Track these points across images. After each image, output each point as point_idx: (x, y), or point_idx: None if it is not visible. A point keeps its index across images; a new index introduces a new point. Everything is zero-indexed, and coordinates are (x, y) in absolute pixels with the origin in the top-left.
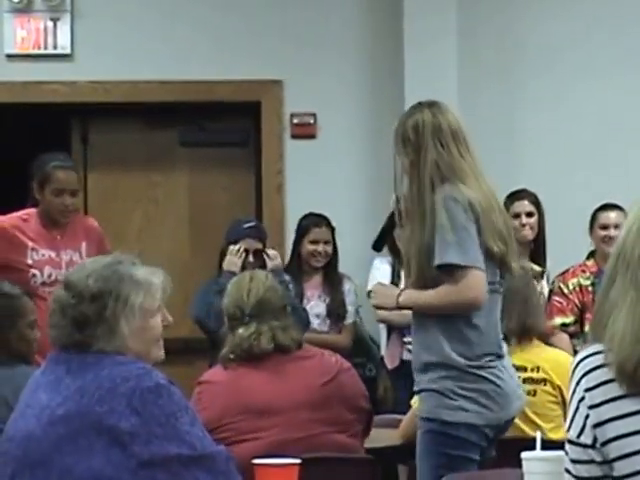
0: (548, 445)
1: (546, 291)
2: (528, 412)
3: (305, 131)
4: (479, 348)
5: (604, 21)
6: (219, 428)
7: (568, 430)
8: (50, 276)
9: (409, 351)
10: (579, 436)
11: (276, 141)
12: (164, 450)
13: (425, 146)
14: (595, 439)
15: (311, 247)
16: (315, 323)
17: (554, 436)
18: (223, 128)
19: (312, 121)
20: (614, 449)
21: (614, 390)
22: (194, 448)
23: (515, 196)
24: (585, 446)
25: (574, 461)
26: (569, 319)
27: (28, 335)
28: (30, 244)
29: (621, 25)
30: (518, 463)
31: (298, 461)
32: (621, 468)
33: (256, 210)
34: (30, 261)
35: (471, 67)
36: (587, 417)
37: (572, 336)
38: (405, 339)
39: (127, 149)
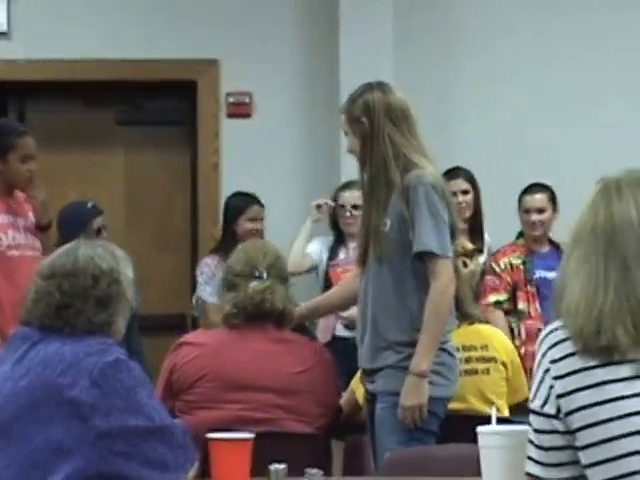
0: (503, 422)
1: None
2: (485, 391)
3: (241, 110)
4: (447, 325)
5: (543, 2)
6: (189, 389)
7: (532, 400)
8: (14, 239)
9: (345, 326)
10: (543, 406)
11: (212, 120)
12: (123, 421)
13: (377, 125)
14: (559, 409)
15: (250, 225)
16: None
17: (506, 413)
18: (160, 107)
19: (247, 100)
20: (577, 419)
21: (579, 362)
22: (152, 420)
23: (450, 175)
24: (549, 416)
25: (537, 431)
26: (503, 296)
27: None
28: None
29: (561, 6)
30: (471, 440)
31: (252, 436)
32: (583, 438)
33: (192, 188)
34: None
35: (407, 49)
36: (552, 388)
37: (506, 313)
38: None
39: (64, 128)
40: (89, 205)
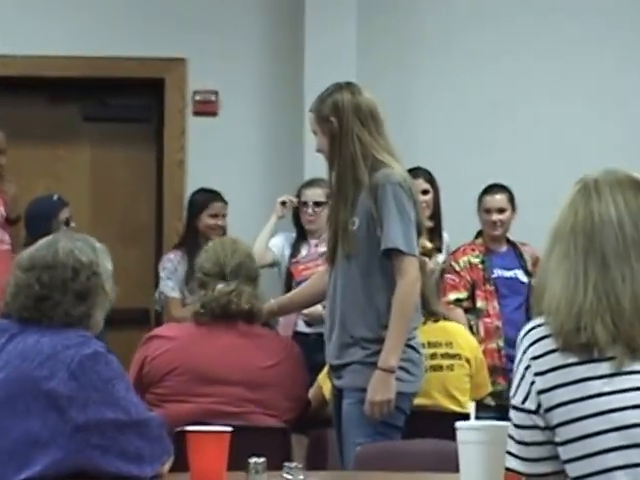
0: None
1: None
2: (449, 387)
3: (207, 108)
4: (413, 322)
5: (500, 6)
6: (159, 383)
7: (513, 396)
8: None
9: (306, 323)
10: (524, 402)
11: (178, 117)
12: (100, 414)
13: (346, 124)
14: (539, 405)
15: (211, 221)
16: None
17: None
18: (126, 104)
19: (214, 99)
20: (557, 415)
21: (559, 359)
22: (129, 413)
23: (410, 174)
24: (529, 412)
25: (518, 426)
26: (462, 294)
27: None
28: None
29: (518, 9)
30: (435, 435)
31: (230, 429)
32: (563, 434)
33: (157, 185)
34: None
35: (370, 52)
36: (532, 384)
37: (465, 311)
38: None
39: (30, 123)
40: (54, 198)
